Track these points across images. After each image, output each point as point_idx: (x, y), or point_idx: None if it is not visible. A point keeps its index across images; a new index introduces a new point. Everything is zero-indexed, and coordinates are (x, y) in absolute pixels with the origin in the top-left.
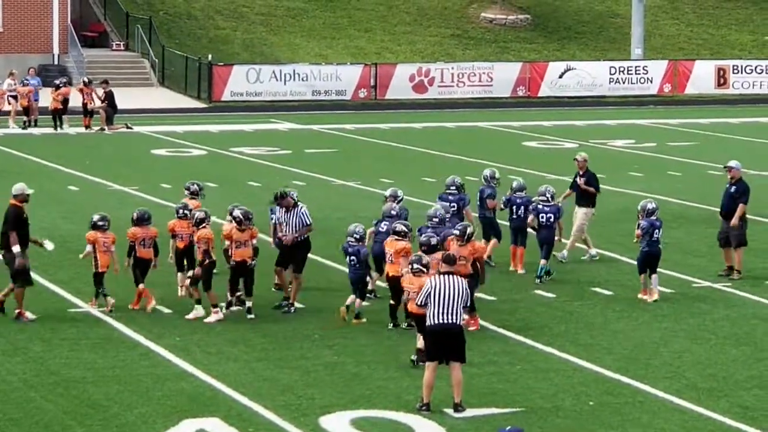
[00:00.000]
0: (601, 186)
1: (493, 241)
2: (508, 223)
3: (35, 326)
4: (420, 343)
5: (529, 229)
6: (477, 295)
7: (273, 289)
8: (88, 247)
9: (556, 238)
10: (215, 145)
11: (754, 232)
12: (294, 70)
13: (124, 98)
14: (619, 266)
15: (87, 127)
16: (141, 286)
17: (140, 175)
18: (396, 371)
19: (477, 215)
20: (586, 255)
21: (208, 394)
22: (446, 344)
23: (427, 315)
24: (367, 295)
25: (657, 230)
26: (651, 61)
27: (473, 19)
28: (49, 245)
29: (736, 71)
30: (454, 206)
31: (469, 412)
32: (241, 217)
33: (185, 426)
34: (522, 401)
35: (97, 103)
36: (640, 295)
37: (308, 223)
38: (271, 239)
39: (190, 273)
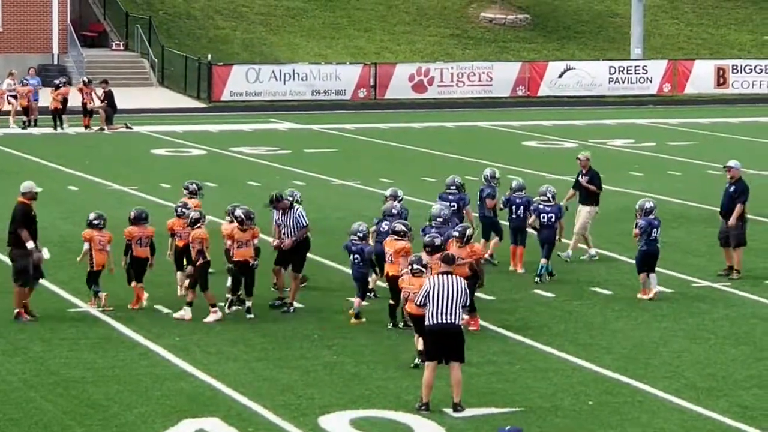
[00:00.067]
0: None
1: (495, 239)
2: (507, 223)
3: (35, 326)
4: (420, 345)
5: (529, 229)
6: (477, 294)
7: (272, 289)
8: (86, 246)
9: (556, 237)
10: (215, 145)
11: (754, 232)
12: (293, 70)
13: (124, 98)
14: (618, 266)
15: (86, 126)
16: (134, 283)
17: (140, 175)
18: (395, 371)
19: (477, 215)
20: (586, 255)
21: (208, 394)
22: (445, 344)
23: (426, 315)
24: (367, 294)
25: (655, 229)
26: (650, 60)
27: (473, 18)
28: (46, 254)
29: (735, 71)
30: (454, 206)
31: (469, 412)
32: (243, 216)
33: (185, 426)
34: (521, 401)
35: (97, 102)
36: (639, 295)
37: (305, 224)
38: (273, 240)
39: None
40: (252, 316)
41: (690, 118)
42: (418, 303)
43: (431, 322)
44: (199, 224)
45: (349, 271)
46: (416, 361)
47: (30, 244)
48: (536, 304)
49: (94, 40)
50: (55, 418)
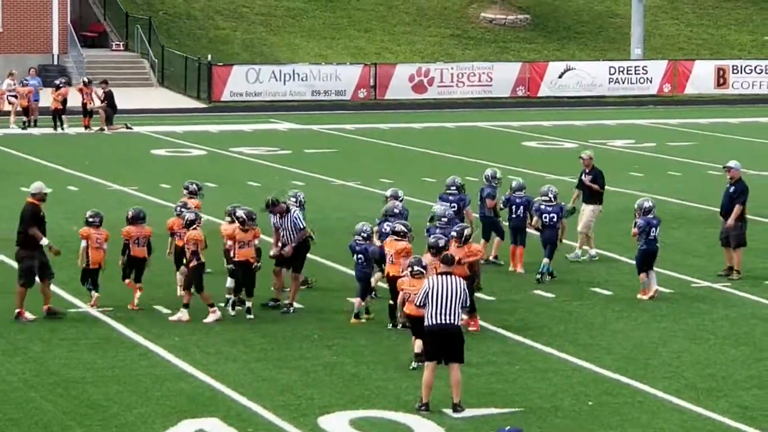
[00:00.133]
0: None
1: (497, 240)
2: (507, 223)
3: (35, 326)
4: (417, 347)
5: (530, 230)
6: (477, 295)
7: (273, 288)
8: (83, 243)
9: (558, 238)
10: (215, 145)
11: (754, 232)
12: (294, 70)
13: (124, 98)
14: (618, 266)
15: (86, 127)
16: (128, 280)
17: (140, 175)
18: (395, 371)
19: (478, 215)
20: (586, 255)
21: (208, 395)
22: (444, 344)
23: (426, 315)
24: (369, 295)
25: (654, 228)
26: (651, 61)
27: (473, 19)
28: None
29: (735, 71)
30: (454, 206)
31: (468, 412)
32: (245, 217)
33: (184, 426)
34: (521, 401)
35: (97, 103)
36: (639, 296)
37: (302, 227)
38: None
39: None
40: (252, 316)
41: (690, 118)
42: (418, 304)
43: (430, 323)
44: (194, 225)
45: (349, 271)
46: (413, 364)
47: (44, 241)
48: (536, 304)
49: (94, 41)
50: (55, 418)
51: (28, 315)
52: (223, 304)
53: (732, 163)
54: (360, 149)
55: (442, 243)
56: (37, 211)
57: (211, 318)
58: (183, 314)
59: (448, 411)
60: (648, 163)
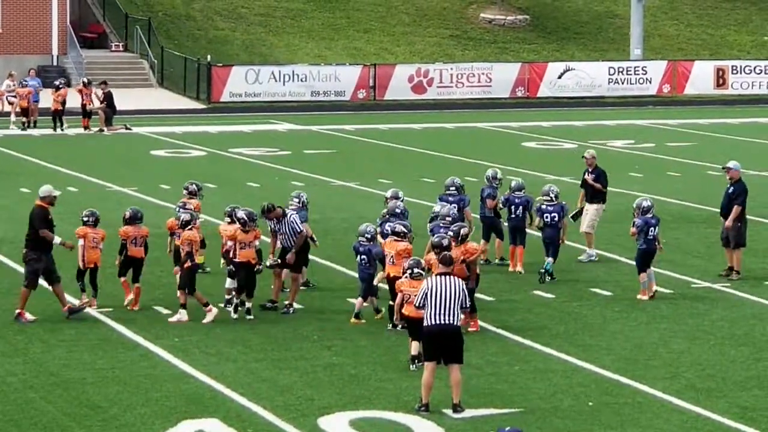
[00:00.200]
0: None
1: (498, 241)
2: (506, 223)
3: (34, 327)
4: (414, 349)
5: (529, 230)
6: (477, 295)
7: (272, 287)
8: (80, 242)
9: (560, 237)
10: (214, 146)
11: (754, 232)
12: (293, 71)
13: (123, 99)
14: (618, 267)
15: (86, 128)
16: (122, 279)
17: (139, 176)
18: (395, 372)
19: (478, 215)
20: (585, 255)
21: (207, 395)
22: (444, 345)
23: (425, 315)
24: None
25: (652, 228)
26: (650, 61)
27: (472, 19)
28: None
29: (735, 72)
30: (454, 207)
31: (468, 413)
32: (246, 218)
33: (184, 427)
34: (521, 402)
35: (96, 104)
36: (639, 296)
37: (299, 231)
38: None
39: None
40: (252, 317)
41: (689, 118)
42: (417, 305)
43: (429, 323)
44: (190, 226)
45: (349, 272)
46: (411, 368)
47: (57, 240)
48: (536, 305)
49: (94, 42)
50: (55, 419)
51: (28, 316)
52: (222, 305)
53: (731, 164)
54: (359, 150)
55: (446, 242)
56: (46, 214)
57: (209, 317)
58: (182, 315)
59: (448, 411)
60: (647, 163)
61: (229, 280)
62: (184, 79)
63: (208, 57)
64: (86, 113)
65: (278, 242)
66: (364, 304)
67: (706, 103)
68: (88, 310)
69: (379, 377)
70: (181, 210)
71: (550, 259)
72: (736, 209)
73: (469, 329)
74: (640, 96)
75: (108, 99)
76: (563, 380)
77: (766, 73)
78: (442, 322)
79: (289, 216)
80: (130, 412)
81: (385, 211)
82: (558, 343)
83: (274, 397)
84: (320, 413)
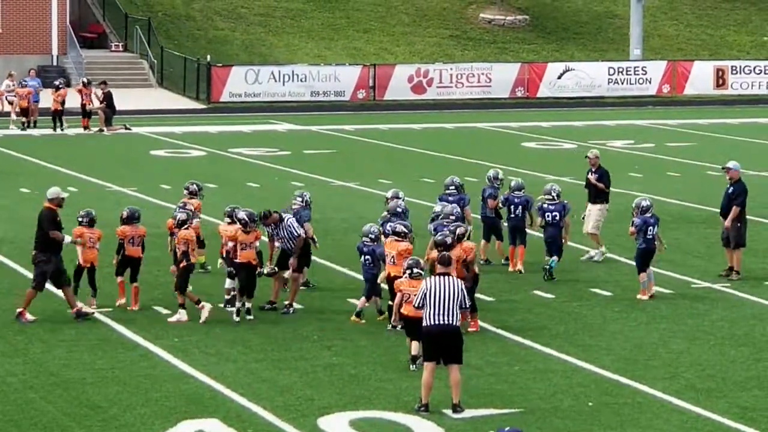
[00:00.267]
0: None
1: (498, 243)
2: (506, 223)
3: (34, 327)
4: (414, 350)
5: (530, 230)
6: (477, 295)
7: (273, 285)
8: (78, 240)
9: (563, 236)
10: (214, 146)
11: (754, 232)
12: (293, 71)
13: (123, 99)
14: (618, 267)
15: (86, 128)
16: (119, 279)
17: (139, 176)
18: (395, 372)
19: (480, 215)
20: (585, 255)
21: (207, 395)
22: (443, 345)
23: (424, 316)
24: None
25: (651, 227)
26: (650, 61)
27: (472, 19)
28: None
29: (734, 72)
30: (457, 206)
31: (468, 413)
32: (247, 219)
33: (184, 427)
34: (521, 402)
35: (96, 104)
36: (639, 296)
37: (297, 234)
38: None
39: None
40: (252, 317)
41: (689, 119)
42: (417, 305)
43: (428, 323)
44: (186, 225)
45: (349, 272)
46: (411, 368)
47: (67, 239)
48: (536, 305)
49: (94, 42)
50: (55, 419)
51: (28, 316)
52: (222, 305)
53: (731, 164)
54: (359, 150)
55: (449, 240)
56: (54, 215)
57: (204, 314)
58: (182, 315)
59: (448, 411)
60: (647, 163)
61: (228, 280)
62: (184, 79)
63: (208, 57)
64: (86, 113)
65: (276, 247)
66: (366, 304)
67: (706, 104)
68: (87, 309)
69: (379, 377)
70: (179, 210)
71: (555, 257)
72: (735, 209)
73: (469, 329)
74: (639, 96)
75: (108, 99)
76: (563, 380)
77: (765, 74)
78: (442, 322)
79: (286, 221)
80: (130, 412)
81: (385, 213)
82: (558, 343)
83: (274, 398)
84: (320, 413)
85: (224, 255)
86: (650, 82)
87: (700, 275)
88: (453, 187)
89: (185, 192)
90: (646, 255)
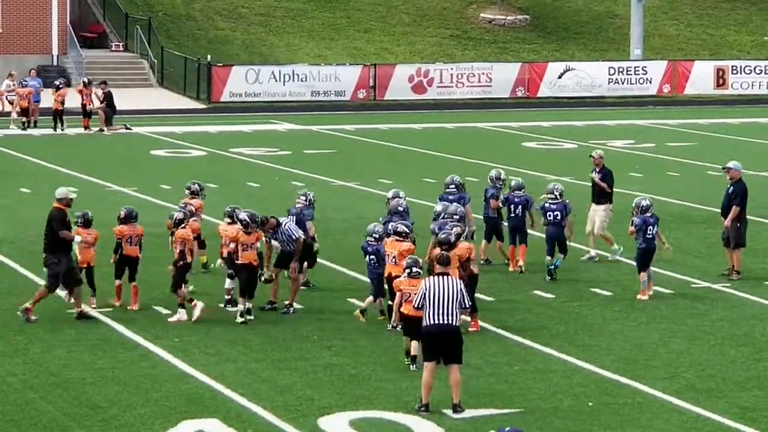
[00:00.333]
0: None
1: (498, 243)
2: (506, 223)
3: (34, 327)
4: (414, 349)
5: (530, 230)
6: (477, 295)
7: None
8: (86, 239)
9: (566, 235)
10: (214, 146)
11: (754, 232)
12: (293, 71)
13: (123, 99)
14: (618, 267)
15: (86, 128)
16: (117, 281)
17: (139, 176)
18: (395, 372)
19: (482, 215)
20: (585, 255)
21: (207, 395)
22: (443, 345)
23: (423, 316)
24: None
25: (651, 227)
26: (650, 61)
27: (472, 19)
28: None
29: (735, 72)
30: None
31: (468, 413)
32: (248, 219)
33: (184, 427)
34: (521, 402)
35: (96, 103)
36: (639, 296)
37: (295, 237)
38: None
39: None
40: (251, 317)
41: (690, 119)
42: (416, 305)
43: (428, 323)
44: (183, 225)
45: (350, 272)
46: (412, 367)
47: (78, 238)
48: (536, 305)
49: (94, 41)
50: (55, 419)
51: (31, 317)
52: (222, 305)
53: (731, 164)
54: (359, 150)
55: (453, 239)
56: (63, 215)
57: (196, 312)
58: (181, 315)
59: (448, 411)
60: (647, 163)
61: (228, 280)
62: (184, 79)
63: (208, 57)
64: (86, 113)
65: (274, 250)
66: (374, 304)
67: (706, 103)
68: (87, 309)
69: (379, 377)
70: (178, 209)
71: (561, 255)
72: (734, 209)
73: (470, 329)
74: (640, 96)
75: (108, 99)
76: (563, 380)
77: (766, 73)
78: (441, 322)
79: (284, 225)
80: (130, 412)
81: (389, 208)
82: (558, 343)
83: (274, 398)
84: (320, 413)
85: (224, 256)
86: (651, 82)
87: (700, 275)
88: (453, 186)
89: (187, 192)
90: (646, 255)
